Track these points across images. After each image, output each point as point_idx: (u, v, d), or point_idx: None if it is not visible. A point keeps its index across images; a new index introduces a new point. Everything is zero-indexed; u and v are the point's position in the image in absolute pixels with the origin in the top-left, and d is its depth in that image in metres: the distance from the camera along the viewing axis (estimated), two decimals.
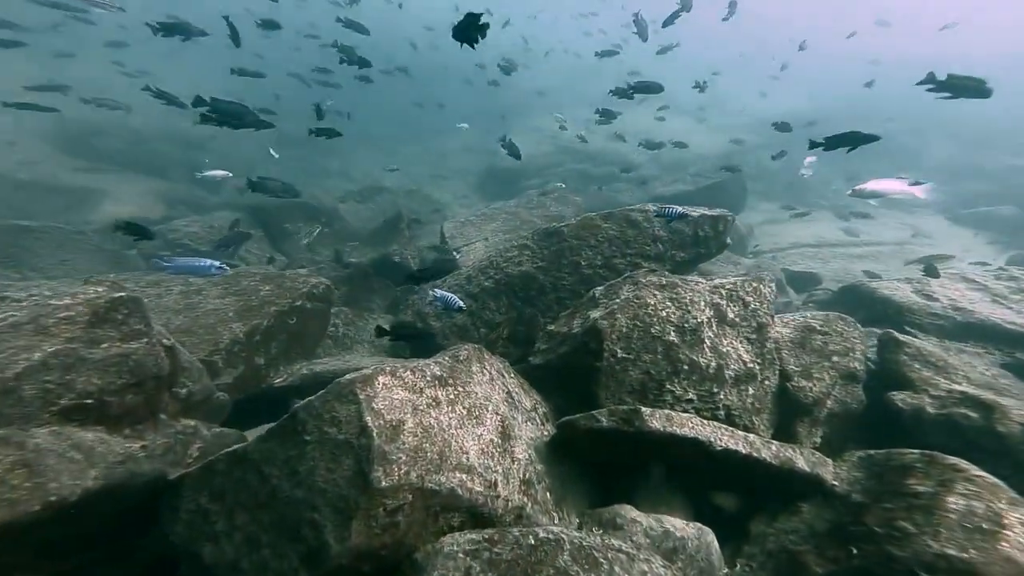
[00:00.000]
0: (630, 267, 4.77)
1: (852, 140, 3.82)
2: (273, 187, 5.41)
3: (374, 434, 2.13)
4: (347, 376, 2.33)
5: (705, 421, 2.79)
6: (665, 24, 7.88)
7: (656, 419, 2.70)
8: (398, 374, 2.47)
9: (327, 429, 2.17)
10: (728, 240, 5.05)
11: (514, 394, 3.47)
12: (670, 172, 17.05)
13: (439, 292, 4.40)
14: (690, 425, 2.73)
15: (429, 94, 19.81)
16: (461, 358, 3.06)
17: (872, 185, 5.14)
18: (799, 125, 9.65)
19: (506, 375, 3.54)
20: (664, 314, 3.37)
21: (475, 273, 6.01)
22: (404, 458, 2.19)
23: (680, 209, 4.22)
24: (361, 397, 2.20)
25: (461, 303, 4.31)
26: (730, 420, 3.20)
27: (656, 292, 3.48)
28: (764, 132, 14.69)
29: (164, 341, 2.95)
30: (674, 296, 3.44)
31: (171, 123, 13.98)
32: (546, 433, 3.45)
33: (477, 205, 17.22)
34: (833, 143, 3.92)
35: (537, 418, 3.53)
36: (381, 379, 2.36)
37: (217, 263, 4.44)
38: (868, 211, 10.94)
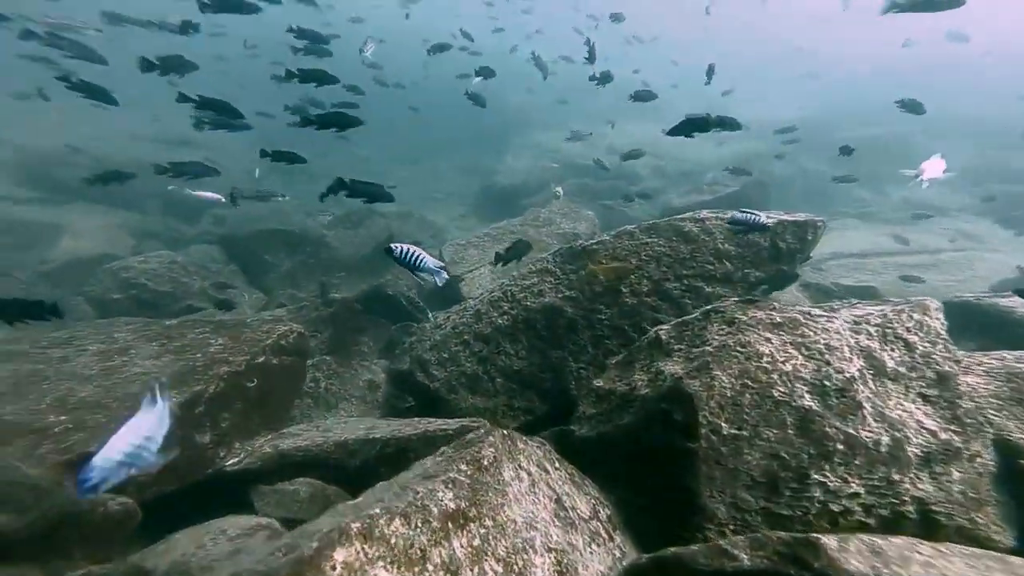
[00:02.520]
0: (688, 293, 3.66)
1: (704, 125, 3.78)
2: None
3: None
4: (264, 565, 1.14)
5: (941, 547, 1.60)
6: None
7: (854, 556, 1.53)
8: (377, 532, 1.30)
9: None
10: (812, 254, 3.96)
11: (565, 498, 2.27)
12: (676, 183, 16.23)
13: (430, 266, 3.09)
14: (920, 558, 1.53)
15: (417, 112, 19.14)
16: (485, 463, 1.89)
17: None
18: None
19: (549, 468, 2.36)
20: (789, 368, 2.24)
21: (485, 308, 4.86)
22: None
23: (762, 217, 3.13)
24: None
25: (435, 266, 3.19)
26: (927, 521, 2.03)
27: (768, 335, 2.35)
28: (770, 139, 13.90)
29: None
30: (799, 340, 2.32)
31: (144, 151, 13.08)
32: (618, 555, 2.25)
33: (476, 227, 16.25)
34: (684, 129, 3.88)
35: (602, 531, 2.32)
36: (340, 556, 1.18)
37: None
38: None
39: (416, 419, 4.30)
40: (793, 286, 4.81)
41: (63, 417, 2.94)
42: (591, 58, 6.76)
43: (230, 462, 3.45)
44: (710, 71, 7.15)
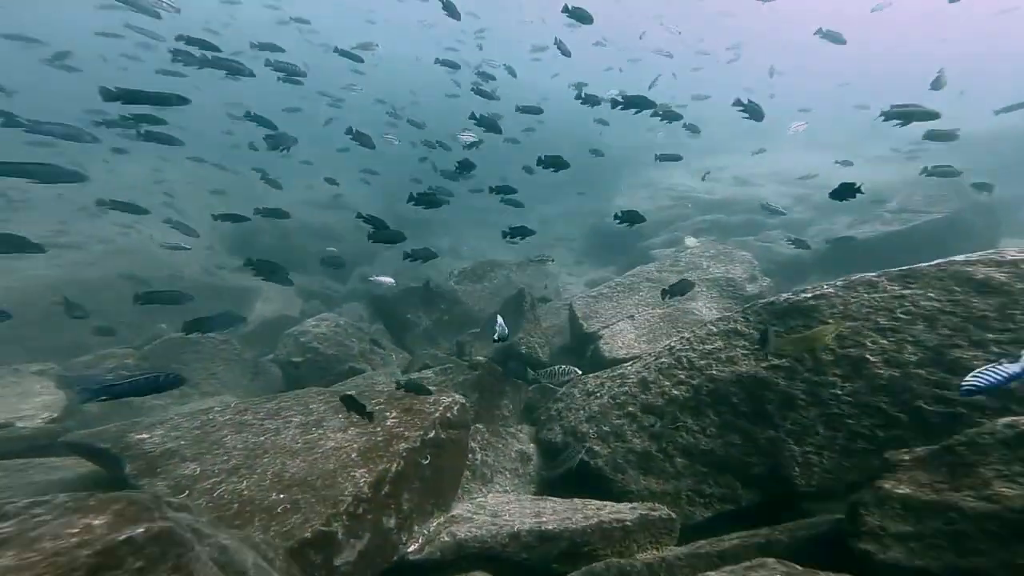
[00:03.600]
0: (997, 361, 2.74)
1: None
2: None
3: None
4: None
5: None
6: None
7: None
8: None
9: None
10: None
11: None
12: (828, 213, 14.06)
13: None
14: None
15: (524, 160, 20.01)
16: None
17: None
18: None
19: None
20: None
21: (654, 376, 4.35)
22: None
23: None
24: None
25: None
26: None
27: None
28: (969, 156, 11.28)
29: None
30: None
31: (303, 214, 15.26)
32: None
33: (589, 273, 15.83)
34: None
35: None
36: None
37: None
38: None
39: (581, 502, 3.88)
40: None
41: (282, 496, 3.13)
42: (754, 114, 6.55)
43: (411, 549, 3.36)
44: (937, 82, 6.62)
